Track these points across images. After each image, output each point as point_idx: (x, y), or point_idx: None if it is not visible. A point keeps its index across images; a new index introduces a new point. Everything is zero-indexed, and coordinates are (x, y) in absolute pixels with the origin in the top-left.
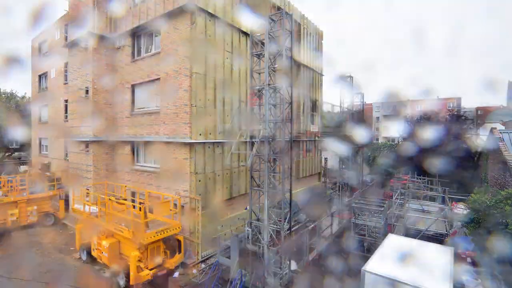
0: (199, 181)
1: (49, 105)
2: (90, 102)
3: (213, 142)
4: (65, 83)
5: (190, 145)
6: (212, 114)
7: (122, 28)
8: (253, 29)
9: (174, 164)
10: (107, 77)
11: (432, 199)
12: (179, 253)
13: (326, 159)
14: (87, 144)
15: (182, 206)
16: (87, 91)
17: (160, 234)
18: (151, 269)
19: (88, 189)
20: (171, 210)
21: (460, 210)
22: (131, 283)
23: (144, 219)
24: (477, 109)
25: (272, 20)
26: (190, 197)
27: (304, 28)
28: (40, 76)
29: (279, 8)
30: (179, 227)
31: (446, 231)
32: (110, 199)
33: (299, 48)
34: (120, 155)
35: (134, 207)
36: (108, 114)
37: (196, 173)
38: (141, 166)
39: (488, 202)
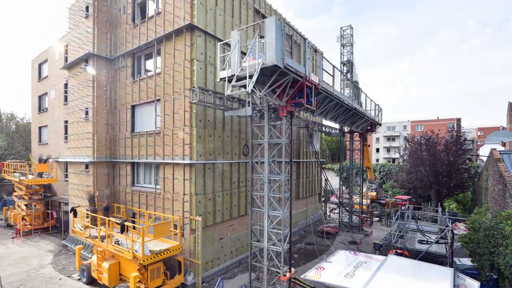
0: (199, 202)
1: (49, 126)
2: (90, 123)
3: (213, 163)
4: (65, 104)
5: (191, 166)
6: (212, 135)
7: (122, 48)
8: None
9: (174, 185)
10: (107, 98)
11: (434, 220)
12: (179, 274)
13: (326, 180)
14: (87, 165)
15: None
16: (87, 112)
17: (160, 255)
18: None
19: (88, 210)
20: (171, 231)
21: (461, 230)
22: None
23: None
24: (478, 129)
25: None
26: (190, 218)
27: (304, 49)
28: (40, 97)
29: None
30: (179, 248)
31: (446, 252)
32: (110, 220)
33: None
34: (121, 176)
35: (134, 228)
36: (108, 135)
37: (196, 194)
38: (141, 186)
39: (488, 223)
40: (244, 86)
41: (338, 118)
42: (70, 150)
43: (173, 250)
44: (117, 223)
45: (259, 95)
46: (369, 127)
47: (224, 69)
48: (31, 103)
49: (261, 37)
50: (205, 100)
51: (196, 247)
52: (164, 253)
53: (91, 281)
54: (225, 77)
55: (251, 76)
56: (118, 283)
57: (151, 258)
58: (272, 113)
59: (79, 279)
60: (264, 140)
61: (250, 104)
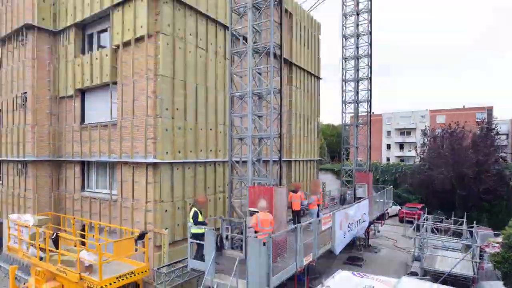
0: (166, 211)
1: None
2: (29, 112)
3: (183, 163)
4: None
5: (154, 166)
6: (182, 127)
7: (70, 19)
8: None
9: (134, 190)
10: (50, 80)
11: (458, 234)
12: None
13: (324, 183)
14: (25, 164)
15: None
16: (24, 99)
17: (124, 279)
18: None
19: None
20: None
21: (495, 248)
22: None
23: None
24: None
25: (257, 9)
26: (154, 231)
27: (297, 19)
28: None
29: None
30: (146, 271)
31: (474, 273)
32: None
33: (290, 44)
34: (67, 179)
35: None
36: (52, 127)
37: (162, 201)
38: (93, 192)
39: None
40: None
41: None
42: (3, 146)
43: (138, 273)
44: (51, 238)
45: None
46: None
47: None
48: None
49: None
50: None
51: (162, 269)
52: (128, 277)
53: None
54: None
55: None
56: None
57: (111, 284)
58: (258, 98)
59: None
60: (248, 134)
61: None
